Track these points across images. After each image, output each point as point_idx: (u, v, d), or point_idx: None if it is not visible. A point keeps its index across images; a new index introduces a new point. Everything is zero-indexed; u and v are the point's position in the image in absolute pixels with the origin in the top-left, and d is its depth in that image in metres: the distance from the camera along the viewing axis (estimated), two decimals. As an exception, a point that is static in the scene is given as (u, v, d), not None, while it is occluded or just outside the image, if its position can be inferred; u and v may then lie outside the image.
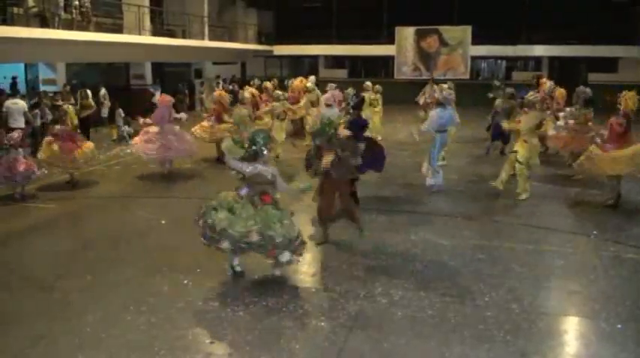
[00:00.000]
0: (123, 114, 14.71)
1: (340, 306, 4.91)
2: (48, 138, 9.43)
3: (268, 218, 5.18)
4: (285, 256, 5.22)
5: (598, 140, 8.18)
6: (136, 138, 10.31)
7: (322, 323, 4.62)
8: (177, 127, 10.31)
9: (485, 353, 4.18)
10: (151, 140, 9.98)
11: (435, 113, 8.87)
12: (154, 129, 10.05)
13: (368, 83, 14.32)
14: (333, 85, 12.59)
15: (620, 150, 7.83)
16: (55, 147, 9.19)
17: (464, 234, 6.98)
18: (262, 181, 5.30)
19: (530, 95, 10.21)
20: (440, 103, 9.02)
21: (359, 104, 8.02)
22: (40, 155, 9.37)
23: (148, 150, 9.95)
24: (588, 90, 10.43)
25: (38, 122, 12.31)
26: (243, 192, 5.32)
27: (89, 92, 14.21)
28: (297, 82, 15.18)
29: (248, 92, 12.30)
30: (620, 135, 7.94)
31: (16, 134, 8.62)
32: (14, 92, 13.34)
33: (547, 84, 12.93)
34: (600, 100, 10.31)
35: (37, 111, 12.36)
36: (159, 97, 10.85)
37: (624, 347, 4.28)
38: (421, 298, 5.07)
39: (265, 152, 5.35)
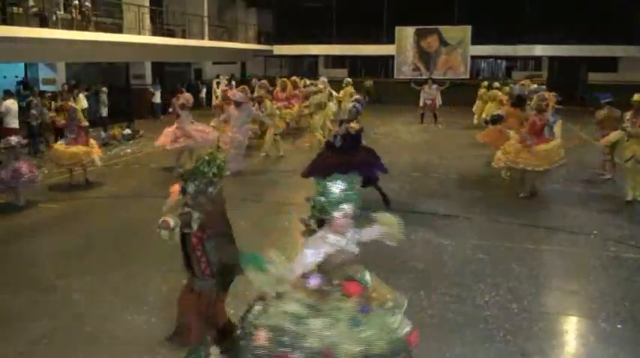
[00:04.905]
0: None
1: (340, 306, 4.90)
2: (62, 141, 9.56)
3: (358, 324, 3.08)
4: None
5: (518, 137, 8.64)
6: (161, 138, 10.60)
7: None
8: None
9: (486, 353, 4.19)
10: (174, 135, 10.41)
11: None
12: (172, 127, 10.48)
13: (348, 79, 14.62)
14: (349, 80, 12.74)
15: (539, 146, 8.38)
16: (67, 146, 9.28)
17: (464, 234, 6.98)
18: (345, 261, 3.27)
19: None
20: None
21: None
22: (52, 155, 9.58)
23: (172, 142, 10.33)
24: (518, 88, 10.93)
25: (34, 123, 12.31)
26: (313, 282, 3.22)
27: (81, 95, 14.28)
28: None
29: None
30: (539, 132, 8.51)
31: (14, 139, 8.27)
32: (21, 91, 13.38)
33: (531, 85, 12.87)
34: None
35: (34, 111, 12.33)
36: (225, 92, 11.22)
37: (624, 347, 4.29)
38: (421, 298, 5.06)
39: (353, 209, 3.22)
